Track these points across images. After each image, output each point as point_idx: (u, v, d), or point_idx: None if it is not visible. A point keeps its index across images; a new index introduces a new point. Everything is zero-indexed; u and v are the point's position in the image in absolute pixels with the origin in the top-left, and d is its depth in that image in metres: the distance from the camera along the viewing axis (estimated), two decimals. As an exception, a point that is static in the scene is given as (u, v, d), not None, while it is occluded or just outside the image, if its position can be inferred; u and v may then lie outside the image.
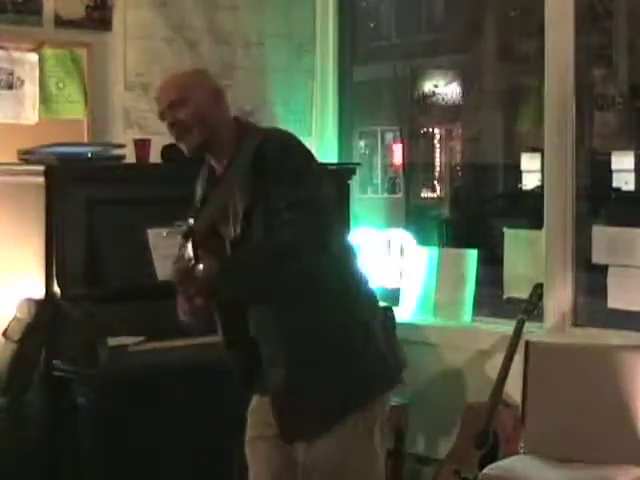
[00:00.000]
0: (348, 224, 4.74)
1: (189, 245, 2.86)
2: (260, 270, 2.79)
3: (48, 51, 4.48)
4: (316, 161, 2.93)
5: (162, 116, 2.92)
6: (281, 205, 2.75)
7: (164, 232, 3.21)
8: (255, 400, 3.13)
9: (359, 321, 2.91)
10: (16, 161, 4.19)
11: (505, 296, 4.77)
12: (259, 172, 2.80)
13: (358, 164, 5.29)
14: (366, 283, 2.98)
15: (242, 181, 2.84)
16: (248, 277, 2.82)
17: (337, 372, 2.86)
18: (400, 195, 6.53)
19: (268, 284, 2.80)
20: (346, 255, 2.93)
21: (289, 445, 2.96)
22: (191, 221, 2.94)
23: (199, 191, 3.06)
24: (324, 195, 2.84)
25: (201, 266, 2.81)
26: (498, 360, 4.35)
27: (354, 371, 2.87)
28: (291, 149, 2.86)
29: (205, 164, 3.02)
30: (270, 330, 2.89)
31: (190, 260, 2.86)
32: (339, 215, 2.95)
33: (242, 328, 2.96)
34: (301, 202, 2.76)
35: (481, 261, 4.92)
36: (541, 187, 4.74)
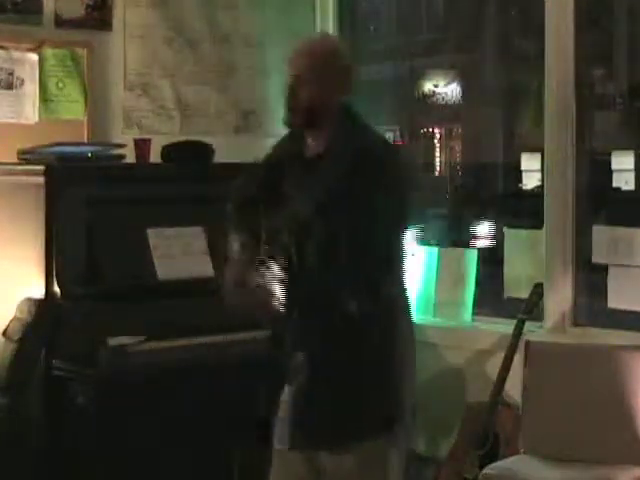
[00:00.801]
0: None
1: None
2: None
3: (48, 51, 4.48)
4: (407, 172, 2.96)
5: (286, 80, 2.95)
6: (364, 226, 2.77)
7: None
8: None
9: (412, 337, 2.93)
10: (16, 161, 4.19)
11: (505, 296, 4.77)
12: (359, 174, 2.79)
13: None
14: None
15: (337, 174, 2.82)
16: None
17: (391, 386, 2.86)
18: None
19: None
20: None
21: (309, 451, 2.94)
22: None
23: (276, 154, 3.07)
24: (409, 216, 2.88)
25: None
26: (498, 360, 4.35)
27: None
28: (391, 166, 2.85)
29: (293, 133, 3.02)
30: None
31: None
32: None
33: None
34: (393, 225, 2.81)
35: (481, 261, 4.92)
36: (541, 187, 4.73)
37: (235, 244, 2.98)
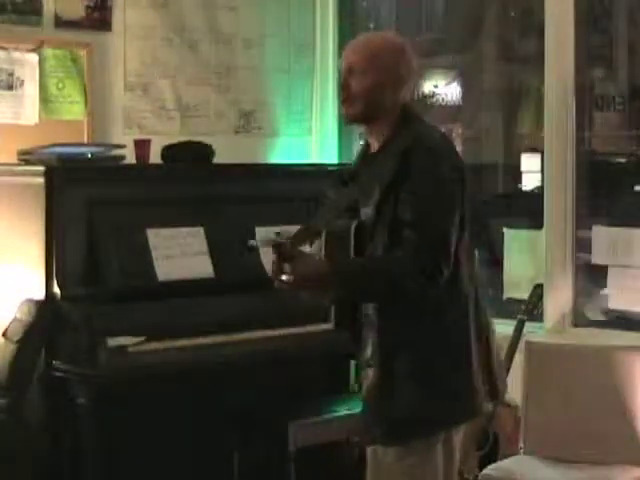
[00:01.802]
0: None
1: (275, 256, 2.85)
2: (373, 288, 2.80)
3: (48, 51, 4.48)
4: (455, 177, 2.85)
5: (341, 72, 2.92)
6: (407, 217, 2.75)
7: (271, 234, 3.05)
8: None
9: (457, 343, 2.85)
10: (16, 161, 4.19)
11: (505, 296, 4.77)
12: (401, 174, 2.79)
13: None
14: (477, 307, 2.92)
15: (383, 175, 2.82)
16: (359, 290, 2.83)
17: (423, 393, 2.82)
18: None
19: (378, 301, 2.83)
20: (460, 279, 2.86)
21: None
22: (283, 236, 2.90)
23: (354, 161, 3.08)
24: (450, 218, 2.80)
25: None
26: (498, 360, 4.35)
27: (437, 395, 2.84)
28: (437, 165, 2.80)
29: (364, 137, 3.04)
30: (373, 327, 2.87)
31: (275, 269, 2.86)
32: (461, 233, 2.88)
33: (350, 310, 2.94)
34: (426, 225, 2.75)
35: (481, 262, 4.91)
36: (541, 187, 4.74)
37: None
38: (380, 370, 2.84)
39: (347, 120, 2.99)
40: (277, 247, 2.83)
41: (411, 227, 2.75)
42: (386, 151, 2.87)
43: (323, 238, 2.95)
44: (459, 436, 2.98)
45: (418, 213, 2.76)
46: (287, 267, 2.81)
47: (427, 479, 2.87)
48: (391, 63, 2.88)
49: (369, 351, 2.87)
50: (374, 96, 2.86)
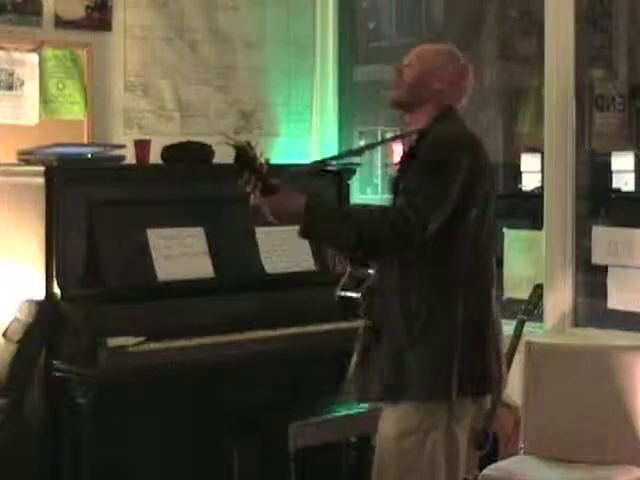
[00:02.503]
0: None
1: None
2: (340, 228, 2.91)
3: (48, 51, 4.48)
4: (463, 167, 2.96)
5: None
6: (402, 197, 2.94)
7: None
8: None
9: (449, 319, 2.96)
10: (16, 161, 4.19)
11: (505, 297, 4.77)
12: (412, 159, 3.00)
13: (358, 164, 5.28)
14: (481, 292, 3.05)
15: (403, 160, 3.08)
16: (328, 227, 2.94)
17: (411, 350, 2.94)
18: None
19: (344, 244, 2.96)
20: (462, 253, 2.98)
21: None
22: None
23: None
24: (439, 199, 2.91)
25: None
26: (498, 360, 4.34)
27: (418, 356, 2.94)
28: (440, 149, 2.97)
29: None
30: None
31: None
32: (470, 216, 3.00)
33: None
34: (411, 201, 2.88)
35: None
36: (541, 187, 4.74)
37: None
38: (371, 335, 3.01)
39: (390, 103, 3.16)
40: (248, 156, 3.04)
41: (400, 197, 2.95)
42: (418, 145, 3.04)
43: None
44: (464, 433, 3.08)
45: (410, 189, 2.92)
46: (254, 180, 2.99)
47: (423, 467, 2.95)
48: (439, 58, 3.13)
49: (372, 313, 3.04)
50: (418, 84, 3.07)
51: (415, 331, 2.93)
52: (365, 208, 3.08)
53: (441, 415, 2.98)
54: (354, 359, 3.07)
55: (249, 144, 3.03)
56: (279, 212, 2.97)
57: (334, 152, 5.37)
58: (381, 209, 3.00)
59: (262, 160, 2.99)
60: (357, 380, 3.06)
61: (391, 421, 2.97)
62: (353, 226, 2.87)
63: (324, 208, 2.99)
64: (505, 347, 4.31)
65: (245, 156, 3.02)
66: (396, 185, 3.03)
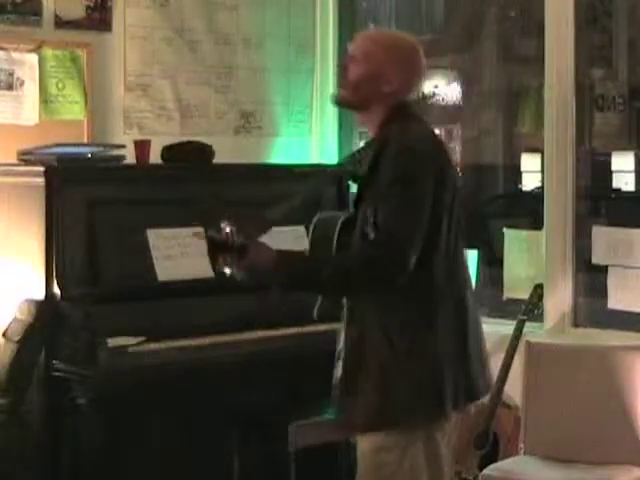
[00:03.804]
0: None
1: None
2: (316, 279, 2.83)
3: (48, 52, 4.48)
4: (429, 178, 2.80)
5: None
6: (369, 215, 2.78)
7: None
8: None
9: (427, 339, 2.82)
10: (16, 161, 4.19)
11: (505, 296, 4.77)
12: (373, 171, 2.83)
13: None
14: (459, 302, 2.89)
15: (365, 171, 2.88)
16: (302, 280, 2.86)
17: (384, 382, 2.80)
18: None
19: (322, 292, 2.90)
20: (431, 278, 2.83)
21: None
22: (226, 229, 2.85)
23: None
24: (413, 219, 2.76)
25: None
26: (498, 361, 4.35)
27: (394, 388, 2.80)
28: (405, 165, 2.78)
29: None
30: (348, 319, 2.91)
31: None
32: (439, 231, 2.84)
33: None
34: (389, 230, 2.73)
35: (481, 262, 4.92)
36: (541, 187, 4.74)
37: None
38: (353, 361, 2.86)
39: (334, 101, 3.05)
40: (217, 243, 2.82)
41: (372, 225, 2.78)
42: (373, 148, 2.90)
43: (313, 224, 3.03)
44: (445, 437, 2.90)
45: (380, 212, 2.76)
46: (229, 258, 2.80)
47: (405, 476, 2.83)
48: (388, 58, 2.89)
49: (341, 343, 2.92)
50: (364, 85, 2.88)
51: (400, 357, 2.79)
52: (339, 254, 2.89)
53: (420, 431, 2.84)
54: (335, 383, 2.93)
55: (216, 230, 2.82)
56: (251, 272, 2.83)
57: (334, 152, 5.37)
58: (358, 251, 2.82)
59: (227, 232, 2.80)
60: (341, 408, 2.93)
61: (367, 439, 2.86)
62: (331, 276, 2.78)
63: (296, 259, 2.90)
64: (505, 347, 4.34)
65: (214, 244, 2.82)
66: (359, 198, 2.88)
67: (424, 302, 2.82)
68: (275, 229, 2.99)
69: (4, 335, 3.97)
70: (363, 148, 3.06)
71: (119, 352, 3.74)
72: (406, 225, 2.74)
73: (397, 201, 2.75)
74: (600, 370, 3.99)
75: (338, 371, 2.92)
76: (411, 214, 2.75)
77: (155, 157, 4.45)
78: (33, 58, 4.43)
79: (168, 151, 4.46)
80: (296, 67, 5.31)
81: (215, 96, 5.01)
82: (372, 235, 2.77)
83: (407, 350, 2.79)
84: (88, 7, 4.59)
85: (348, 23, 5.47)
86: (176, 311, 3.99)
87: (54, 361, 3.86)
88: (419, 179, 2.77)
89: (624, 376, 3.95)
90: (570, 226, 4.47)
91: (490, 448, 4.29)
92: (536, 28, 4.89)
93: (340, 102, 3.03)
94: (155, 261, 4.10)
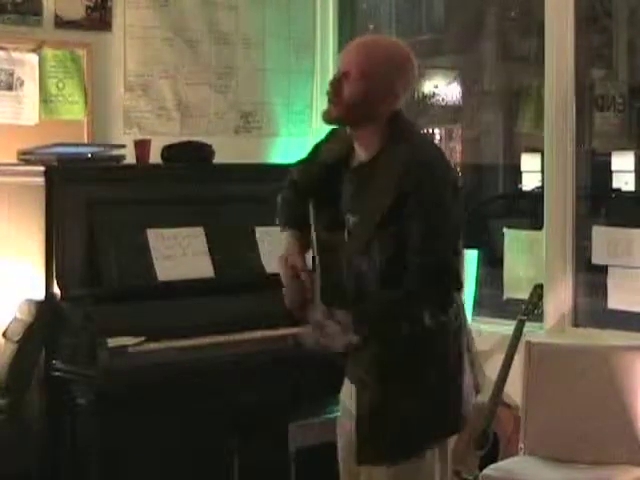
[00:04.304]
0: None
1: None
2: (389, 327, 2.74)
3: (48, 51, 4.48)
4: (456, 189, 2.78)
5: (336, 70, 2.83)
6: (416, 244, 2.68)
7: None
8: (346, 384, 3.03)
9: (452, 358, 2.83)
10: (16, 161, 4.19)
11: (505, 297, 4.77)
12: (405, 191, 2.69)
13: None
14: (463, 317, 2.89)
15: (384, 193, 2.72)
16: (378, 329, 2.76)
17: (424, 407, 2.78)
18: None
19: (394, 333, 2.76)
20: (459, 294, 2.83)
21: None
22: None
23: (330, 155, 2.94)
24: (455, 240, 2.75)
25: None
26: (498, 361, 4.35)
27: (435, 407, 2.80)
28: (441, 183, 2.73)
29: (338, 135, 2.93)
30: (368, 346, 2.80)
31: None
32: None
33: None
34: (435, 251, 2.69)
35: (481, 262, 4.92)
36: (541, 187, 4.74)
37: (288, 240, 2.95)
38: (376, 388, 2.80)
39: (327, 119, 2.84)
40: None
41: (419, 253, 2.69)
42: (382, 164, 2.77)
43: (315, 249, 2.88)
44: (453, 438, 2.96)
45: (426, 239, 2.68)
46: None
47: None
48: (389, 76, 2.77)
49: (361, 369, 2.84)
50: (363, 105, 2.75)
51: (425, 382, 2.78)
52: (400, 301, 2.73)
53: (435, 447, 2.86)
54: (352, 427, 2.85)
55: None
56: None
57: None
58: (416, 288, 2.69)
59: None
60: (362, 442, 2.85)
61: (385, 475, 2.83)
62: (406, 319, 2.70)
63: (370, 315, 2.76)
64: (505, 347, 4.34)
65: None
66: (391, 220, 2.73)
67: (454, 320, 2.81)
68: (278, 229, 3.00)
69: (4, 335, 3.97)
70: (326, 141, 3.00)
71: (119, 352, 3.74)
72: (450, 251, 2.72)
73: (439, 228, 2.70)
74: (600, 370, 3.99)
75: (362, 397, 2.84)
76: (452, 238, 2.74)
77: (155, 157, 4.45)
78: (33, 58, 4.43)
79: (168, 151, 4.46)
80: (296, 67, 5.31)
81: (215, 96, 5.01)
82: (417, 262, 2.69)
83: (426, 375, 2.80)
84: (88, 7, 4.59)
85: (348, 23, 5.48)
86: (176, 311, 3.99)
87: (54, 361, 3.86)
88: (452, 201, 2.74)
89: (624, 376, 3.94)
90: (570, 226, 4.47)
91: (490, 448, 4.29)
92: (536, 28, 4.89)
93: (332, 120, 2.84)
94: (155, 261, 4.10)
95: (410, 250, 2.68)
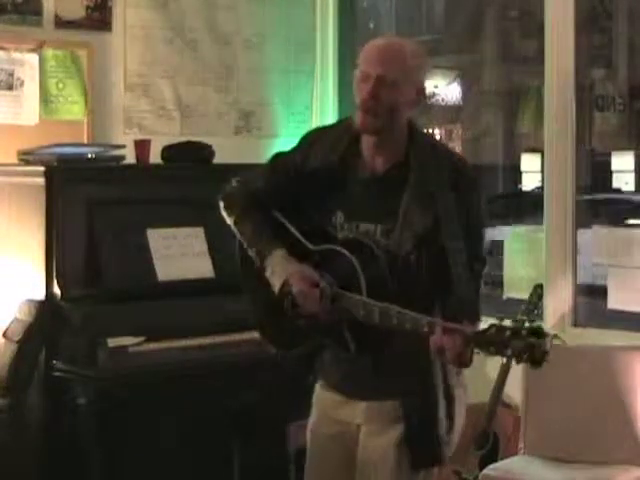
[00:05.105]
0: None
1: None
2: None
3: (48, 51, 4.48)
4: None
5: (364, 75, 2.70)
6: (473, 252, 2.66)
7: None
8: (322, 393, 3.04)
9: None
10: (16, 162, 4.19)
11: (505, 296, 4.77)
12: (452, 202, 2.65)
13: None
14: None
15: (429, 198, 2.66)
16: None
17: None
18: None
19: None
20: None
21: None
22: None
23: (326, 158, 2.83)
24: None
25: None
26: (498, 360, 4.35)
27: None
28: (479, 188, 2.79)
29: (343, 136, 2.82)
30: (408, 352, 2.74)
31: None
32: None
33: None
34: (483, 258, 2.73)
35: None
36: (541, 187, 4.74)
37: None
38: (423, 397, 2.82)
39: (367, 131, 2.71)
40: None
41: (478, 260, 2.70)
42: (410, 170, 2.71)
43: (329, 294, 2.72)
44: None
45: (480, 245, 2.73)
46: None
47: None
48: (421, 77, 2.75)
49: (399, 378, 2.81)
50: (401, 111, 2.70)
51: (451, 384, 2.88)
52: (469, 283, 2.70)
53: None
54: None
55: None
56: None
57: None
58: (474, 281, 2.71)
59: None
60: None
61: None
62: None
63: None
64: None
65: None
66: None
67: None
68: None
69: (4, 335, 3.97)
70: (350, 169, 2.82)
71: (119, 352, 3.74)
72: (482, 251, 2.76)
73: (483, 233, 2.76)
74: (600, 370, 3.99)
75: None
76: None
77: (155, 157, 4.45)
78: (33, 58, 4.44)
79: (168, 151, 4.46)
80: (296, 67, 5.31)
81: (215, 96, 5.01)
82: (478, 269, 2.71)
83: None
84: (88, 7, 4.59)
85: (348, 23, 5.47)
86: (176, 311, 3.99)
87: (54, 361, 3.86)
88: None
89: (624, 376, 3.94)
90: (570, 226, 4.47)
91: (490, 448, 4.29)
92: (536, 28, 4.89)
93: (372, 131, 2.71)
94: (155, 261, 4.10)
95: (458, 254, 2.62)
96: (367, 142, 2.76)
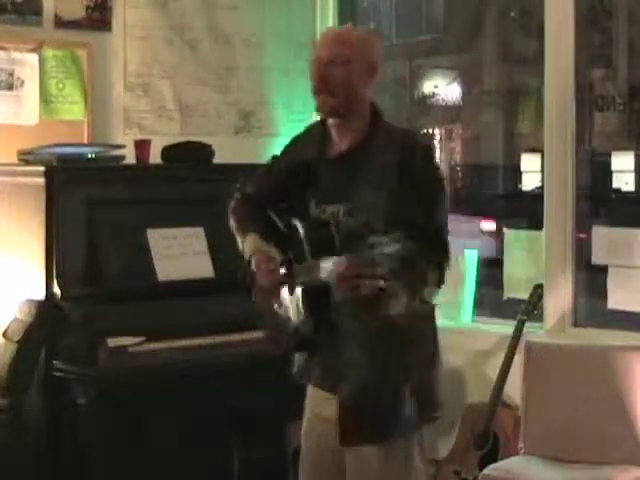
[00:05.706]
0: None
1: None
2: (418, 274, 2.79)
3: (48, 51, 4.48)
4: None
5: (316, 60, 2.84)
6: (417, 212, 2.75)
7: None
8: (310, 391, 3.10)
9: (435, 341, 2.98)
10: (16, 162, 4.19)
11: (505, 296, 4.77)
12: (403, 174, 2.77)
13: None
14: None
15: (382, 174, 2.78)
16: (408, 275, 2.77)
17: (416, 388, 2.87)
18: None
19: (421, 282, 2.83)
20: None
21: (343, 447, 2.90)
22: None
23: (303, 152, 2.97)
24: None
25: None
26: (498, 360, 4.35)
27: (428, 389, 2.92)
28: (435, 164, 2.89)
29: (316, 128, 2.97)
30: (361, 328, 2.82)
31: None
32: None
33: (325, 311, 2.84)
34: (440, 228, 2.80)
35: (481, 262, 4.92)
36: (541, 187, 4.74)
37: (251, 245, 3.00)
38: (368, 370, 2.84)
39: (327, 112, 2.86)
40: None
41: (422, 220, 2.76)
42: (376, 148, 2.83)
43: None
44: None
45: (430, 215, 2.78)
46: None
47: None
48: (370, 50, 2.87)
49: (353, 352, 2.84)
50: (355, 87, 2.82)
51: (411, 363, 2.88)
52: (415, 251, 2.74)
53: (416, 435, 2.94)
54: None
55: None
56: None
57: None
58: (427, 245, 2.75)
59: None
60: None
61: (377, 461, 2.86)
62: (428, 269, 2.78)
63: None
64: (505, 347, 4.34)
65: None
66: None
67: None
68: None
69: (4, 335, 3.97)
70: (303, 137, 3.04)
71: (119, 352, 3.75)
72: (446, 225, 2.85)
73: (440, 203, 2.84)
74: (600, 370, 3.99)
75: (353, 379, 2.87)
76: (446, 213, 2.88)
77: (155, 157, 4.45)
78: (33, 58, 4.44)
79: (168, 151, 4.46)
80: (296, 67, 5.31)
81: (215, 96, 5.02)
82: (422, 234, 2.74)
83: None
84: (88, 7, 4.59)
85: (348, 23, 5.47)
86: (176, 311, 3.99)
87: (54, 361, 3.86)
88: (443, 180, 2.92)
89: (624, 376, 3.94)
90: (570, 226, 4.47)
91: (490, 448, 4.29)
92: (536, 28, 4.89)
93: (331, 111, 2.85)
94: (155, 261, 4.10)
95: (408, 216, 2.73)
96: (334, 126, 2.89)
